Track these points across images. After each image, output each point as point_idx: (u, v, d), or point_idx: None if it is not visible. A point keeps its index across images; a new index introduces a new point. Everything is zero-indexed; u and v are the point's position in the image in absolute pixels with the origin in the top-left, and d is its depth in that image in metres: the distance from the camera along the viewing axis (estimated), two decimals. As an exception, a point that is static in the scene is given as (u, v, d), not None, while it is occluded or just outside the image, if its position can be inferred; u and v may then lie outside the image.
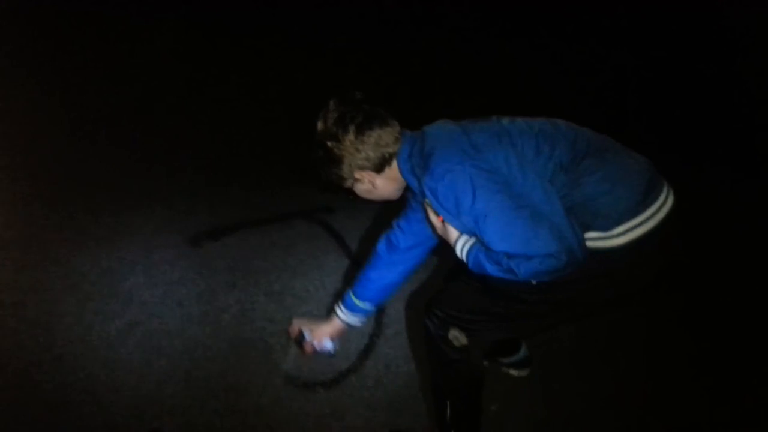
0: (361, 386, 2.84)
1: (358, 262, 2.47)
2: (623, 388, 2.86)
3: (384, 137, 2.03)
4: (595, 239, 1.91)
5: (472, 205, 1.85)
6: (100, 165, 4.49)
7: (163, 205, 4.06)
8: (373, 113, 2.04)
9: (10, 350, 2.94)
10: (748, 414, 2.75)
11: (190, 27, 7.27)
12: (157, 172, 4.45)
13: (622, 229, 1.89)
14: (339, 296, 2.57)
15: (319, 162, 2.09)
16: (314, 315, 3.17)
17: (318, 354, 2.57)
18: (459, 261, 2.03)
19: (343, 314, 2.51)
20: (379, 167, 2.07)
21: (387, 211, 2.43)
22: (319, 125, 2.05)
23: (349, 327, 2.55)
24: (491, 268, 1.90)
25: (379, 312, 3.24)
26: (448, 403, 2.34)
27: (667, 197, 1.97)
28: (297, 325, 2.59)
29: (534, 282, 1.89)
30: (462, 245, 1.99)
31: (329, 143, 2.02)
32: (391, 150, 2.05)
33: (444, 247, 2.12)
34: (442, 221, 2.04)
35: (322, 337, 2.54)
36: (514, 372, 2.88)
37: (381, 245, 2.41)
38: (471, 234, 1.97)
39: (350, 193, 2.19)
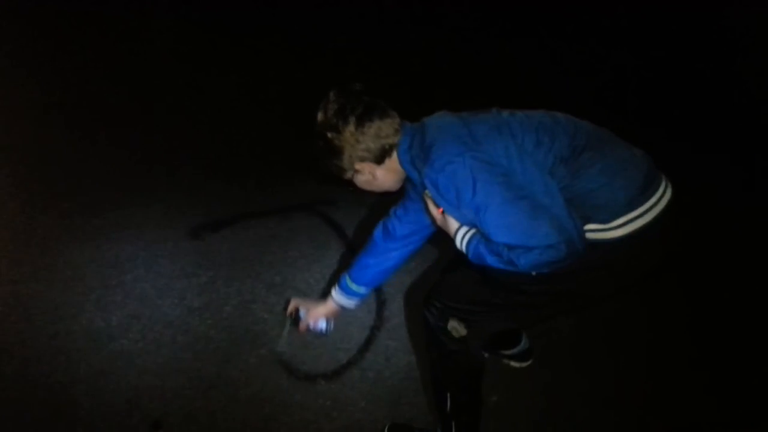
0: (361, 378, 2.85)
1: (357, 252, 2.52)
2: (623, 382, 2.86)
3: (384, 128, 2.03)
4: (594, 231, 1.92)
5: (472, 196, 1.85)
6: (100, 163, 4.49)
7: (163, 201, 4.08)
8: (373, 104, 2.04)
9: (10, 343, 2.95)
10: (749, 414, 2.75)
11: (190, 27, 7.30)
12: (157, 170, 4.45)
13: (621, 221, 1.90)
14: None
15: (320, 153, 2.09)
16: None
17: (311, 332, 2.64)
18: (458, 252, 2.03)
19: (338, 296, 2.56)
20: (380, 158, 2.07)
21: (387, 204, 2.44)
22: (320, 116, 2.04)
23: (344, 309, 2.60)
24: (491, 260, 1.90)
25: (380, 304, 3.27)
26: (448, 394, 2.33)
27: (665, 190, 1.98)
28: (294, 304, 2.64)
29: (533, 273, 1.89)
30: (462, 236, 2.00)
31: (329, 134, 2.02)
32: (391, 141, 2.05)
33: (443, 238, 2.12)
34: (442, 213, 2.04)
35: (317, 317, 2.60)
36: (515, 364, 2.88)
37: (377, 232, 2.44)
38: (471, 225, 1.97)
39: (350, 184, 2.19)
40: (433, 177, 1.91)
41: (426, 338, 2.26)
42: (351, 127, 2.00)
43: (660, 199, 1.95)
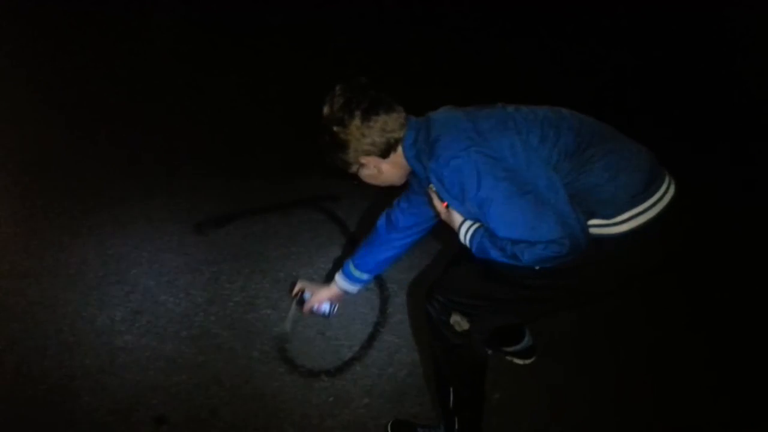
0: (364, 375, 2.85)
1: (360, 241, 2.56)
2: (625, 380, 2.87)
3: (390, 123, 2.03)
4: (598, 226, 1.92)
5: (476, 191, 1.85)
6: (101, 163, 4.50)
7: (165, 198, 4.08)
8: (378, 99, 2.04)
9: (15, 337, 2.95)
10: (749, 413, 2.75)
11: (190, 27, 7.30)
12: (158, 170, 4.45)
13: (624, 217, 1.91)
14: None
15: (325, 147, 2.09)
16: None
17: (315, 314, 2.68)
18: (462, 246, 2.04)
19: (341, 282, 2.60)
20: (385, 153, 2.07)
21: (389, 198, 2.45)
22: (325, 110, 2.05)
23: (347, 294, 2.64)
24: (495, 254, 1.91)
25: (384, 301, 3.27)
26: (451, 389, 2.33)
27: (669, 186, 1.99)
28: (300, 285, 2.68)
29: (537, 267, 1.90)
30: (466, 230, 2.00)
31: (335, 128, 2.02)
32: (396, 135, 2.05)
33: (448, 236, 2.13)
34: (447, 207, 2.05)
35: (321, 299, 2.64)
36: (518, 361, 2.88)
37: (381, 223, 2.47)
38: (475, 219, 1.98)
39: (355, 178, 2.20)
40: (438, 171, 1.92)
41: (429, 332, 2.26)
42: (357, 121, 2.00)
43: (663, 195, 1.95)
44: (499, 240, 1.88)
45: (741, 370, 2.95)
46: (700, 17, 7.58)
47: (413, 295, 3.30)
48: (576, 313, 3.10)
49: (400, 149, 2.08)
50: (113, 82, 5.97)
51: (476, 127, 1.94)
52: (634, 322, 3.20)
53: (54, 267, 3.40)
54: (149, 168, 4.46)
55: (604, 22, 7.52)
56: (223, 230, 3.77)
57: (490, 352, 2.56)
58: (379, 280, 3.38)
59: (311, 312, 2.67)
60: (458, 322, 2.14)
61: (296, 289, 2.68)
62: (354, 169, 2.14)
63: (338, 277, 2.60)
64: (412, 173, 2.15)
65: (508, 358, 2.88)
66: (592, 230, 1.91)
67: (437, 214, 2.16)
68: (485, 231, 1.94)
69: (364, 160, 2.09)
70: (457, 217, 2.03)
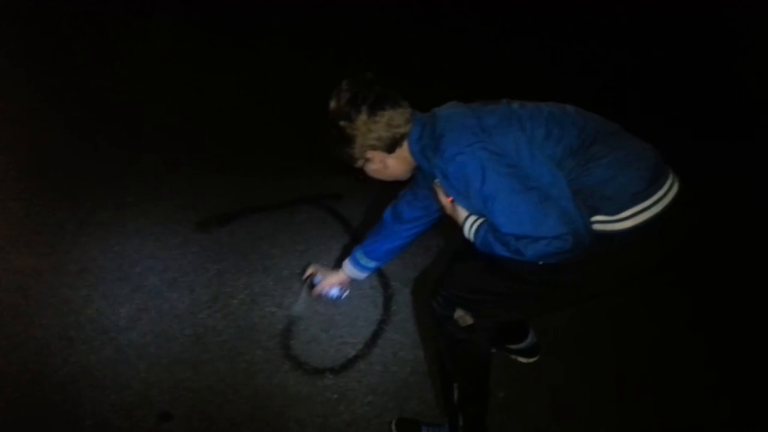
0: (369, 372, 2.85)
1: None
2: (628, 379, 2.87)
3: (396, 118, 2.04)
4: (601, 223, 1.92)
5: (481, 186, 1.86)
6: (101, 162, 4.48)
7: (167, 197, 4.08)
8: (385, 94, 2.05)
9: (19, 334, 2.95)
10: (749, 413, 2.76)
11: (190, 27, 7.29)
12: (158, 169, 4.44)
13: (628, 213, 1.91)
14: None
15: (331, 141, 2.10)
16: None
17: (324, 298, 2.73)
18: (466, 241, 2.05)
19: (349, 269, 2.66)
20: (391, 147, 2.08)
21: (393, 195, 2.46)
22: (332, 105, 2.05)
23: (354, 280, 2.70)
24: (499, 249, 1.91)
25: (387, 299, 3.27)
26: (455, 385, 2.33)
27: (672, 183, 1.99)
28: (312, 269, 2.72)
29: (540, 263, 1.90)
30: (470, 225, 2.01)
31: (342, 123, 2.03)
32: (402, 131, 2.06)
33: (451, 232, 2.13)
34: (451, 201, 2.05)
35: (330, 284, 2.70)
36: (522, 359, 2.89)
37: (387, 214, 2.50)
38: (479, 215, 1.98)
39: (360, 172, 2.20)
40: (443, 167, 1.93)
41: (433, 328, 2.27)
42: (363, 116, 2.01)
43: (667, 192, 1.96)
44: (503, 235, 1.89)
45: (741, 370, 2.95)
46: (700, 17, 7.57)
47: (417, 293, 3.30)
48: (578, 312, 3.11)
49: (405, 144, 2.09)
50: (113, 82, 5.95)
51: (481, 123, 1.95)
52: (636, 322, 3.21)
53: (57, 265, 3.40)
54: (150, 167, 4.45)
55: (604, 22, 7.52)
56: (226, 228, 3.77)
57: (494, 351, 2.57)
58: (383, 278, 3.39)
59: (321, 296, 2.71)
60: (462, 317, 2.14)
61: (308, 273, 2.72)
62: (360, 163, 2.15)
63: (346, 265, 2.65)
64: (418, 168, 2.16)
65: (512, 356, 2.89)
66: (596, 227, 1.91)
67: (442, 209, 2.17)
68: (489, 226, 1.94)
69: (369, 154, 2.09)
70: (461, 212, 2.03)
